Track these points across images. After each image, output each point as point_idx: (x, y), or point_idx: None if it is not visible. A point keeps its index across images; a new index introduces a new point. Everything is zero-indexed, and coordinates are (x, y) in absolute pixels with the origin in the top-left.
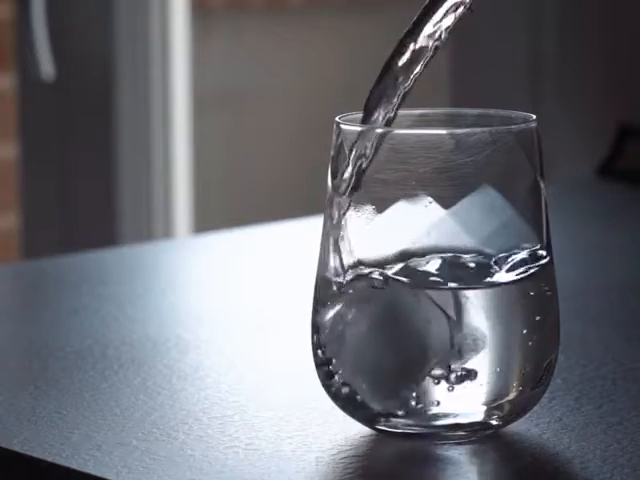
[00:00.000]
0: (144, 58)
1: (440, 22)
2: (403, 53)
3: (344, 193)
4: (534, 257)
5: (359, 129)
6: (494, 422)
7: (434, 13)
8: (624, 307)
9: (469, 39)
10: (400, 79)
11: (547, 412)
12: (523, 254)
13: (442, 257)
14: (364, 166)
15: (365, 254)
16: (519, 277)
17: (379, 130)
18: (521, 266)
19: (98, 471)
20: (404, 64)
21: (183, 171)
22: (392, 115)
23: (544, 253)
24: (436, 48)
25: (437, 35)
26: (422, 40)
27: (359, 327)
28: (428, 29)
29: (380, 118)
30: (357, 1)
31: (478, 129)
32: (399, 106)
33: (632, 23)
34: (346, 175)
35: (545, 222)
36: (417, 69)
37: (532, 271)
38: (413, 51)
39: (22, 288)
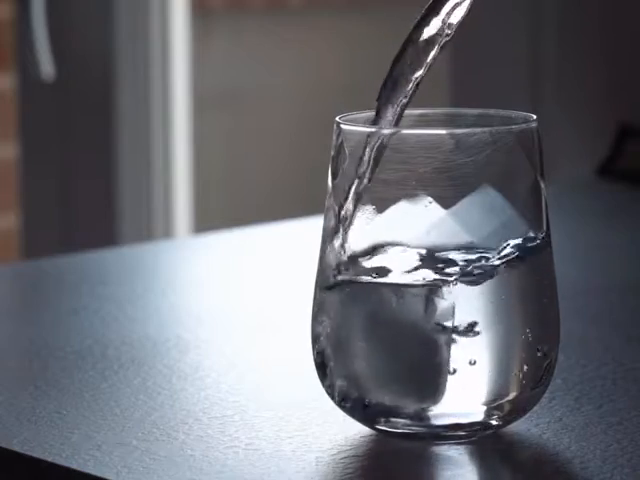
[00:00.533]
0: (144, 58)
1: (452, 10)
2: (418, 36)
3: (360, 188)
4: (534, 257)
5: (359, 129)
6: (494, 422)
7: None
8: (624, 307)
9: (469, 39)
10: (415, 64)
11: (547, 412)
12: (523, 254)
13: (442, 256)
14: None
15: (365, 254)
16: (519, 277)
17: (384, 131)
18: (521, 265)
19: (98, 471)
20: (419, 48)
21: (183, 171)
22: (405, 102)
23: (544, 253)
24: (447, 35)
25: (450, 20)
26: (435, 26)
27: (359, 327)
28: (442, 13)
29: (390, 116)
30: (357, 1)
31: (478, 129)
32: (414, 93)
33: (632, 23)
34: (364, 178)
35: (545, 222)
36: (432, 53)
37: (532, 270)
38: (427, 36)
39: (22, 288)
